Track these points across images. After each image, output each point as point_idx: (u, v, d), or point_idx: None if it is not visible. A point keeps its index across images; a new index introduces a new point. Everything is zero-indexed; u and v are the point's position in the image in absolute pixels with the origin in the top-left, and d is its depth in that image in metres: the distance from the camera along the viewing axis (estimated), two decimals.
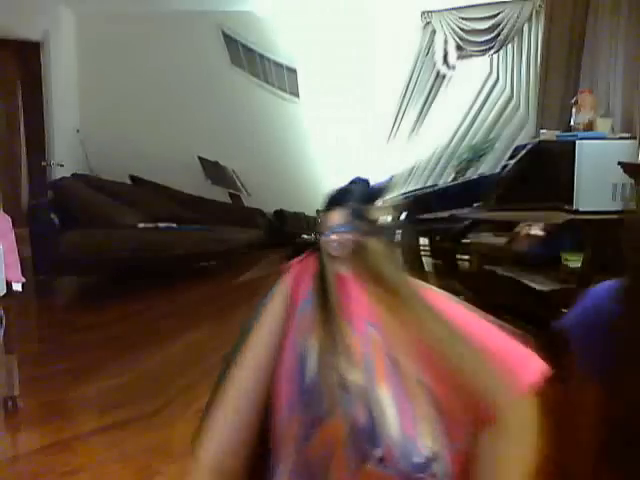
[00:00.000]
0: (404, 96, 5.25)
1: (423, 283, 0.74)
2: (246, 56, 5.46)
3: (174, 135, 5.07)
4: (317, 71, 5.28)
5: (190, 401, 2.40)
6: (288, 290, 0.76)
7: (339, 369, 0.60)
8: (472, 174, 4.84)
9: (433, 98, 5.20)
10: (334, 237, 0.80)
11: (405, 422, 0.56)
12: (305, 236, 5.32)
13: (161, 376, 2.83)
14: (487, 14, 4.75)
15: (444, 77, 5.12)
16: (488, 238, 3.36)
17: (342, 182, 0.83)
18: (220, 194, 5.64)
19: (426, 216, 4.02)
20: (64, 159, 5.09)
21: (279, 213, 5.60)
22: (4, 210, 2.52)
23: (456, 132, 5.14)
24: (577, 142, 2.64)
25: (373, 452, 0.56)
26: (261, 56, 5.44)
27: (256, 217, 5.51)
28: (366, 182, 0.81)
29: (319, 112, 5.09)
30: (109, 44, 5.16)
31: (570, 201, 2.62)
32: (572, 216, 2.59)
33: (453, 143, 5.16)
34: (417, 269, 3.13)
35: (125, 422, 2.29)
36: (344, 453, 0.58)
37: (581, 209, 2.60)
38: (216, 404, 0.74)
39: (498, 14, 4.69)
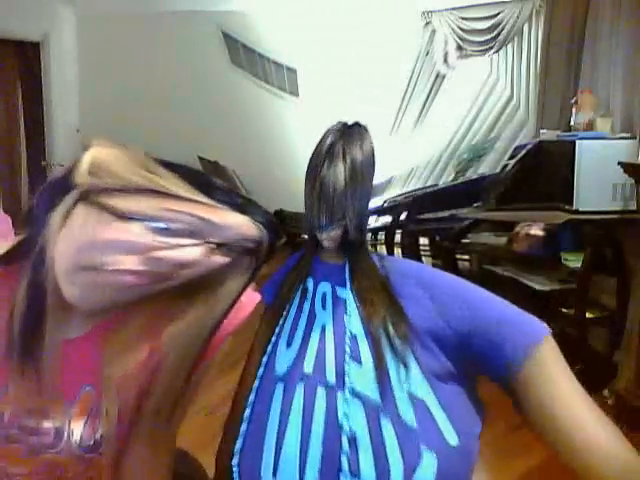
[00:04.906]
0: (404, 96, 5.26)
1: None
2: (246, 56, 5.46)
3: (174, 135, 5.07)
4: (317, 71, 5.28)
5: None
6: None
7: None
8: (472, 174, 4.84)
9: (433, 98, 5.20)
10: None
11: (89, 432, 0.69)
12: (305, 236, 5.32)
13: None
14: (487, 14, 4.75)
15: (444, 77, 5.12)
16: (488, 238, 3.36)
17: None
18: None
19: (426, 216, 4.02)
20: (64, 159, 5.09)
21: (279, 213, 5.60)
22: (4, 210, 2.52)
23: (456, 132, 5.14)
24: (577, 142, 2.64)
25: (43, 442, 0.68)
26: (261, 56, 5.44)
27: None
28: None
29: (319, 112, 5.09)
30: (109, 44, 5.17)
31: (570, 201, 2.63)
32: (572, 216, 2.59)
33: (453, 143, 5.16)
34: None
35: None
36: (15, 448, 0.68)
37: (581, 209, 2.60)
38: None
39: (498, 14, 4.69)
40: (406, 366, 0.75)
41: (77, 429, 0.68)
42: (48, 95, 5.10)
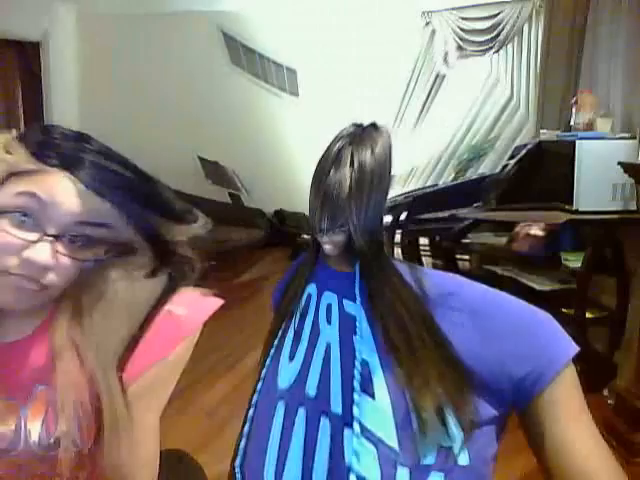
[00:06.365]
0: (404, 96, 5.26)
1: None
2: (246, 56, 5.46)
3: (174, 135, 5.07)
4: (317, 71, 5.28)
5: (189, 401, 2.40)
6: None
7: None
8: (472, 174, 4.84)
9: (433, 98, 5.20)
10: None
11: (47, 430, 0.67)
12: (305, 236, 5.32)
13: None
14: (487, 14, 4.75)
15: (444, 77, 5.12)
16: (488, 238, 3.36)
17: None
18: (220, 194, 5.64)
19: (426, 216, 4.02)
20: None
21: (279, 213, 5.60)
22: None
23: (456, 132, 5.14)
24: (577, 142, 2.64)
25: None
26: (261, 56, 5.44)
27: (256, 217, 5.51)
28: None
29: (319, 112, 5.09)
30: (109, 44, 5.17)
31: (570, 201, 2.62)
32: (572, 216, 2.59)
33: (453, 143, 5.16)
34: None
35: None
36: None
37: (581, 209, 2.60)
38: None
39: (498, 14, 4.69)
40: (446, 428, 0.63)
41: (34, 429, 0.67)
42: (48, 95, 5.09)
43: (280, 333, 0.80)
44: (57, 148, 0.66)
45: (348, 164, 0.74)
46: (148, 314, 0.69)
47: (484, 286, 0.71)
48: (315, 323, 0.76)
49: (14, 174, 0.64)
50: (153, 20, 5.26)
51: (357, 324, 0.70)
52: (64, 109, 5.19)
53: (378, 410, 0.64)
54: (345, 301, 0.74)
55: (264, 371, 0.78)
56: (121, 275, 0.69)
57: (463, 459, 0.64)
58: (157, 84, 5.20)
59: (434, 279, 0.72)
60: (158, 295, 0.70)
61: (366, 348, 0.68)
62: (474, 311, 0.66)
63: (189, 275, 0.72)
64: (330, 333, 0.73)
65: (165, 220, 0.69)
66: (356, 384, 0.66)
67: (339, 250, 0.76)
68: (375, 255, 0.73)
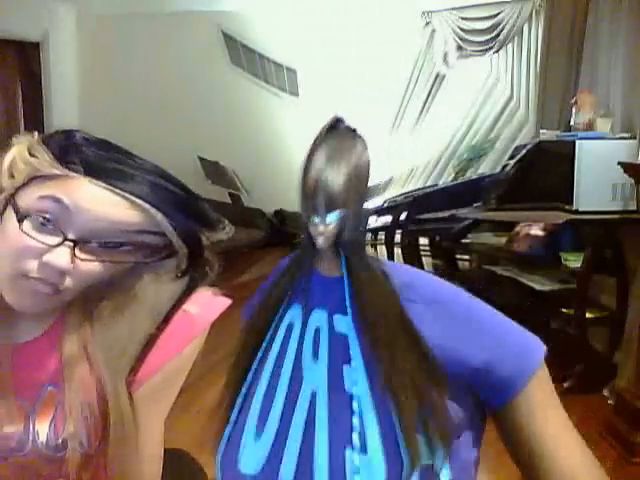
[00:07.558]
0: (404, 96, 5.26)
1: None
2: (246, 56, 5.46)
3: (174, 135, 5.07)
4: (317, 71, 5.28)
5: (190, 401, 2.40)
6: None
7: None
8: (472, 174, 4.84)
9: (433, 98, 5.20)
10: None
11: (55, 431, 0.67)
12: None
13: None
14: (487, 14, 4.75)
15: (444, 77, 5.12)
16: (488, 238, 3.36)
17: None
18: (220, 194, 5.64)
19: (426, 216, 4.02)
20: None
21: (279, 213, 5.60)
22: None
23: (456, 132, 5.14)
24: (577, 142, 2.64)
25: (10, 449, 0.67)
26: (261, 56, 5.44)
27: (256, 217, 5.51)
28: None
29: (319, 112, 5.09)
30: (109, 44, 5.17)
31: (570, 201, 2.62)
32: (572, 216, 2.59)
33: (453, 143, 5.16)
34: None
35: None
36: None
37: (581, 209, 2.60)
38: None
39: (498, 14, 4.69)
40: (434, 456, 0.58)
41: (42, 430, 0.67)
42: (48, 95, 5.09)
43: (248, 382, 0.66)
44: (81, 154, 0.65)
45: (342, 150, 0.68)
46: (167, 314, 0.69)
47: (440, 278, 0.67)
48: (297, 363, 0.64)
49: (37, 177, 0.64)
50: (153, 20, 5.25)
51: (350, 348, 0.62)
52: (64, 109, 5.19)
53: (374, 472, 0.57)
54: (335, 317, 0.64)
55: (221, 447, 0.66)
56: (152, 278, 0.69)
57: (445, 474, 0.61)
58: (157, 84, 5.19)
59: (393, 270, 0.65)
60: (178, 295, 0.70)
61: (361, 383, 0.60)
62: (434, 302, 0.62)
63: (209, 275, 0.72)
64: (316, 374, 0.62)
65: (203, 228, 0.71)
66: (355, 439, 0.57)
67: (330, 241, 0.64)
68: (360, 251, 0.65)
